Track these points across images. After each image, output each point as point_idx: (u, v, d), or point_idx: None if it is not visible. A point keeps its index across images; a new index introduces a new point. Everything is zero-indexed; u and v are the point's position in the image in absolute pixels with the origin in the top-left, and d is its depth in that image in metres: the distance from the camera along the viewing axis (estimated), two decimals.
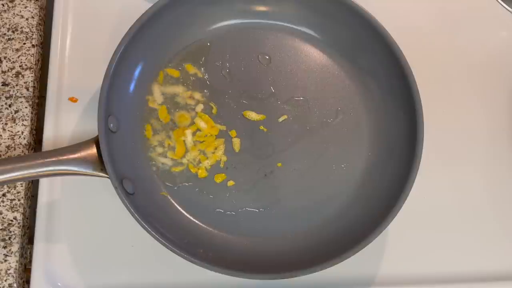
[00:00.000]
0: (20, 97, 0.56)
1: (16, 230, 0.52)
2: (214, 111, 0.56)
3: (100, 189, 0.53)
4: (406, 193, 0.51)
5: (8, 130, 0.55)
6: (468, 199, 0.60)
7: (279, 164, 0.56)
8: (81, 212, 0.54)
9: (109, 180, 0.48)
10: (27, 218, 0.54)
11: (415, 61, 0.55)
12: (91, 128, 0.56)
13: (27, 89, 0.57)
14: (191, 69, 0.57)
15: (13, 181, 0.47)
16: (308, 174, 0.56)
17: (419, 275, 0.57)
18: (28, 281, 0.53)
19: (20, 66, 0.57)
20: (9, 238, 0.52)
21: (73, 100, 0.58)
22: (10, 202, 0.53)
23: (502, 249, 0.59)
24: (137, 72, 0.56)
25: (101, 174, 0.49)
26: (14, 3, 0.59)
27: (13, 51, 0.58)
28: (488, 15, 0.68)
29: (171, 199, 0.54)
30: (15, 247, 0.52)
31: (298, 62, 0.59)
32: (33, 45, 0.58)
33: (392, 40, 0.55)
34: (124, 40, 0.51)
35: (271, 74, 0.59)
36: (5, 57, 0.57)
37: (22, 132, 0.55)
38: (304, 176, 0.56)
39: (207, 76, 0.58)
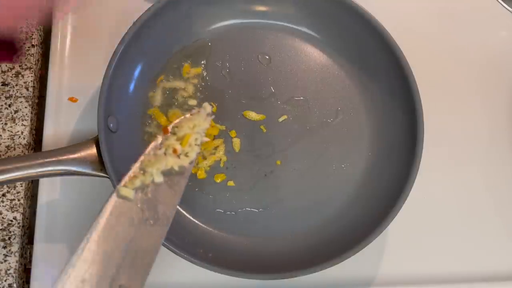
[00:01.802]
0: (20, 97, 0.56)
1: (16, 230, 0.52)
2: (213, 110, 0.56)
3: (100, 189, 0.53)
4: (406, 193, 0.51)
5: (8, 130, 0.55)
6: (468, 199, 0.60)
7: (279, 163, 0.56)
8: (81, 212, 0.54)
9: (109, 180, 0.48)
10: (27, 218, 0.54)
11: (415, 61, 0.55)
12: (91, 128, 0.56)
13: (27, 89, 0.57)
14: (191, 69, 0.57)
15: (13, 181, 0.47)
16: (308, 174, 0.56)
17: (419, 275, 0.57)
18: (28, 281, 0.53)
19: (20, 66, 0.57)
20: (9, 238, 0.52)
21: (73, 100, 0.57)
22: (10, 202, 0.53)
23: (503, 249, 0.59)
24: (137, 72, 0.56)
25: (101, 174, 0.49)
26: None
27: None
28: (488, 15, 0.68)
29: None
30: (15, 247, 0.52)
31: (298, 62, 0.59)
32: (32, 45, 0.58)
33: (392, 40, 0.55)
34: (124, 40, 0.51)
35: (271, 74, 0.59)
36: None
37: (22, 132, 0.55)
38: (304, 176, 0.56)
39: (207, 76, 0.58)
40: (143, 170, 0.47)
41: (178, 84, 0.57)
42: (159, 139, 0.49)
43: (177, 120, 0.51)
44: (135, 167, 0.46)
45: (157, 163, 0.47)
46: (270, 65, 0.59)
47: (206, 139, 0.52)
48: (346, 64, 0.59)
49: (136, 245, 0.42)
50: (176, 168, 0.48)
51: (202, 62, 0.58)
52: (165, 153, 0.48)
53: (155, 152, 0.48)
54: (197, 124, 0.51)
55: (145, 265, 0.41)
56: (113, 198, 0.44)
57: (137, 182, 0.45)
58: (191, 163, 0.49)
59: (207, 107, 0.53)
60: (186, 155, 0.49)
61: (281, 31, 0.60)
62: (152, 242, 0.43)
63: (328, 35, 0.60)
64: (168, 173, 0.47)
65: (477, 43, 0.66)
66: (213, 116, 0.53)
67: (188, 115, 0.52)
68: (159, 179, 0.46)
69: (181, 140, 0.49)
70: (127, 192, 0.45)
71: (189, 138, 0.49)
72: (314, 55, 0.60)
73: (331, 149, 0.57)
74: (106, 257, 0.41)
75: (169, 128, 0.50)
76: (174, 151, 0.48)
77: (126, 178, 0.45)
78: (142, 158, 0.47)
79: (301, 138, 0.57)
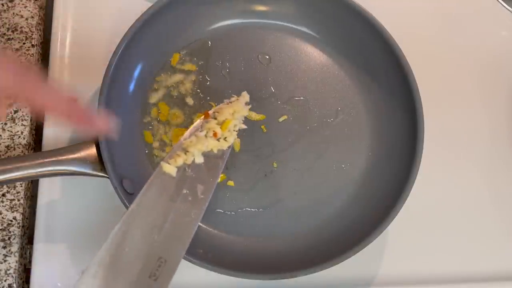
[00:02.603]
0: None
1: (15, 230, 0.52)
2: None
3: (100, 189, 0.53)
4: (406, 193, 0.51)
5: (8, 130, 0.55)
6: (468, 199, 0.60)
7: (278, 163, 0.56)
8: (81, 212, 0.54)
9: (109, 180, 0.48)
10: (26, 218, 0.54)
11: (415, 60, 0.55)
12: None
13: None
14: (191, 68, 0.57)
15: (13, 181, 0.47)
16: (308, 174, 0.56)
17: (419, 275, 0.57)
18: (28, 281, 0.53)
19: None
20: (9, 238, 0.52)
21: None
22: (10, 202, 0.53)
23: (503, 249, 0.59)
24: (137, 72, 0.56)
25: (100, 174, 0.49)
26: (13, 2, 0.59)
27: (12, 51, 0.58)
28: (488, 15, 0.68)
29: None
30: (14, 247, 0.52)
31: (298, 62, 0.59)
32: (32, 45, 0.58)
33: (392, 39, 0.55)
34: (124, 40, 0.51)
35: (271, 74, 0.59)
36: None
37: (22, 132, 0.55)
38: (304, 176, 0.56)
39: (207, 76, 0.58)
40: (185, 150, 0.50)
41: (177, 77, 0.57)
42: (199, 122, 0.53)
43: (217, 106, 0.54)
44: (178, 146, 0.49)
45: (198, 144, 0.50)
46: (270, 65, 0.59)
47: (244, 126, 0.54)
48: (346, 63, 0.59)
49: (175, 221, 0.44)
50: (215, 151, 0.51)
51: (202, 62, 0.58)
52: (206, 136, 0.51)
53: (197, 134, 0.51)
54: (236, 111, 0.53)
55: (183, 240, 0.43)
56: (156, 174, 0.46)
57: (180, 161, 0.48)
58: (229, 147, 0.52)
59: (246, 96, 0.56)
60: (225, 139, 0.52)
61: (281, 31, 0.60)
62: (191, 218, 0.45)
63: (328, 35, 0.60)
64: (207, 155, 0.50)
65: (477, 43, 0.66)
66: (249, 106, 0.56)
67: (227, 102, 0.55)
68: (199, 160, 0.49)
69: (221, 124, 0.52)
70: (170, 169, 0.48)
71: (229, 123, 0.52)
72: (314, 55, 0.60)
73: (331, 149, 0.57)
74: (145, 229, 0.42)
75: (210, 112, 0.53)
76: (215, 134, 0.51)
77: (169, 156, 0.48)
78: (183, 139, 0.50)
79: (301, 138, 0.57)
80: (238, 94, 0.57)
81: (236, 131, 0.53)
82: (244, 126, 0.54)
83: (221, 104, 0.55)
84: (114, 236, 0.41)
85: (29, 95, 0.37)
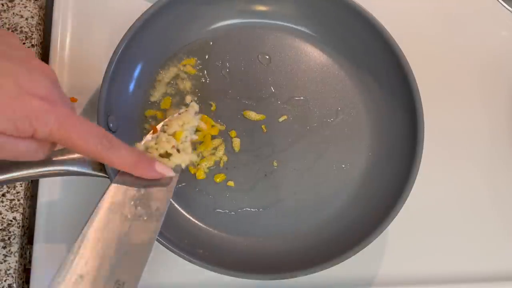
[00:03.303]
0: None
1: (15, 230, 0.52)
2: (213, 108, 0.56)
3: (100, 189, 0.53)
4: (406, 193, 0.51)
5: None
6: (468, 199, 0.60)
7: (278, 163, 0.56)
8: (81, 212, 0.54)
9: (109, 180, 0.48)
10: (26, 218, 0.54)
11: (415, 60, 0.55)
12: None
13: None
14: (191, 68, 0.58)
15: (13, 181, 0.47)
16: (308, 174, 0.56)
17: (419, 275, 0.57)
18: (27, 281, 0.53)
19: None
20: (9, 239, 0.52)
21: (73, 100, 0.57)
22: (10, 202, 0.53)
23: (503, 249, 0.59)
24: (137, 72, 0.56)
25: (101, 174, 0.49)
26: (13, 2, 0.59)
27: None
28: (488, 15, 0.68)
29: (171, 199, 0.54)
30: (14, 247, 0.52)
31: (298, 62, 0.59)
32: (32, 45, 0.58)
33: (392, 39, 0.55)
34: (124, 40, 0.51)
35: (271, 74, 0.59)
36: None
37: None
38: (304, 176, 0.56)
39: (207, 76, 0.58)
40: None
41: (177, 77, 0.57)
42: (149, 138, 0.51)
43: (166, 119, 0.53)
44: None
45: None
46: (270, 65, 0.59)
47: (195, 136, 0.53)
48: (346, 63, 0.60)
49: (130, 241, 0.43)
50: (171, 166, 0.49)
51: (202, 62, 0.58)
52: (156, 149, 0.49)
53: (150, 151, 0.50)
54: (186, 122, 0.52)
55: (140, 260, 0.41)
56: (107, 196, 0.45)
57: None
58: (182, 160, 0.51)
59: (195, 106, 0.55)
60: (177, 151, 0.50)
61: (281, 31, 0.60)
62: (146, 237, 0.43)
63: (328, 35, 0.60)
64: None
65: (477, 42, 0.66)
66: (199, 115, 0.54)
67: (176, 114, 0.53)
68: None
69: (171, 135, 0.51)
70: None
71: (181, 135, 0.51)
72: (314, 54, 0.60)
73: (331, 149, 0.57)
74: (101, 252, 0.41)
75: (159, 127, 0.52)
76: (166, 154, 0.49)
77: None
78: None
79: (301, 138, 0.57)
80: (239, 94, 0.57)
81: (188, 142, 0.51)
82: (195, 137, 0.53)
83: (169, 117, 0.54)
84: (68, 262, 0.40)
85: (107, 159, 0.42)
